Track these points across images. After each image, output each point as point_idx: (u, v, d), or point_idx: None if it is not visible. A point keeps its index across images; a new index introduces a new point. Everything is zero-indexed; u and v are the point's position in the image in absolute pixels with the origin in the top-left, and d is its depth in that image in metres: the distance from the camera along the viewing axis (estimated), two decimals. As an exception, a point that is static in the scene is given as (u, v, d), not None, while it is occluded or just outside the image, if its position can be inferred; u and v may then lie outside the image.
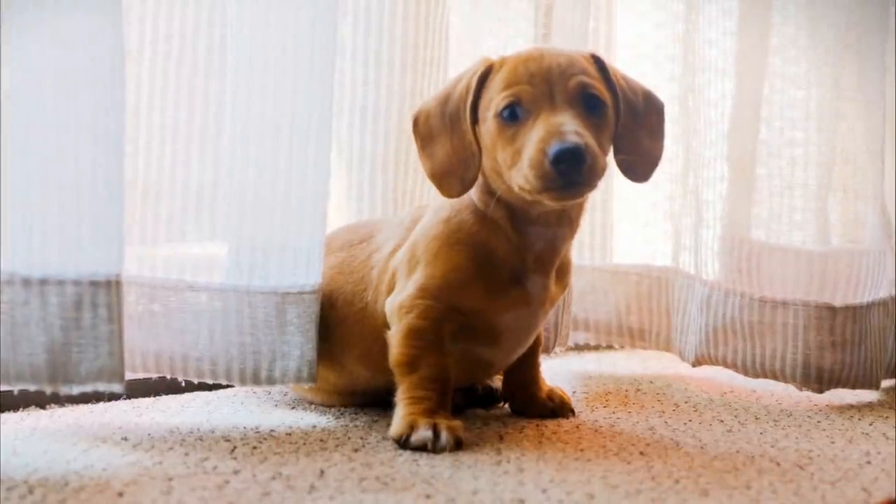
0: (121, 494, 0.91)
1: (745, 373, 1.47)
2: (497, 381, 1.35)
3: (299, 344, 1.20)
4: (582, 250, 1.64)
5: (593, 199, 1.66)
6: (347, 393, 1.29)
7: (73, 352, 1.03)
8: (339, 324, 1.23)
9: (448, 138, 1.14)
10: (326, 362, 1.23)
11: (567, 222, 1.16)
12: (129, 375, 1.26)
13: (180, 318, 1.19)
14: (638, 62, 1.68)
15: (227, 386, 1.35)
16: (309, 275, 1.20)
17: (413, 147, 1.42)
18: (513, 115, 1.08)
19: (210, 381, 1.21)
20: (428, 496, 0.92)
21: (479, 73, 1.13)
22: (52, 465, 1.00)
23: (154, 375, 1.22)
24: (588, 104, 1.09)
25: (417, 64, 1.44)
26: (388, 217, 1.37)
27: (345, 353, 1.23)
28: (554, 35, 1.49)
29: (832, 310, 1.43)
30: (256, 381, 1.20)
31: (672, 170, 1.60)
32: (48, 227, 1.03)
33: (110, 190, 1.05)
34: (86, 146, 1.04)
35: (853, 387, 1.44)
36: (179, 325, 1.19)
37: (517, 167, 1.07)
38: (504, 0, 1.53)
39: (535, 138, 1.05)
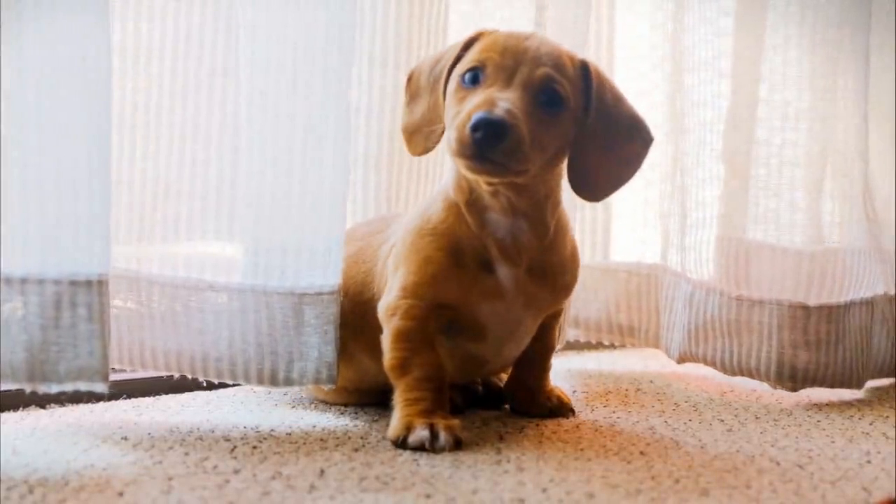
0: (121, 494, 0.91)
1: (724, 370, 1.48)
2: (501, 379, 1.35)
3: (317, 345, 1.20)
4: (583, 248, 1.64)
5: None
6: (355, 388, 1.29)
7: (52, 351, 1.03)
8: (350, 313, 1.23)
9: (427, 97, 1.17)
10: (341, 354, 1.23)
11: (521, 214, 1.14)
12: (148, 373, 1.28)
13: (200, 318, 1.19)
14: (637, 62, 1.68)
15: (227, 385, 1.35)
16: (326, 276, 1.20)
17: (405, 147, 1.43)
18: (473, 80, 1.10)
19: (230, 382, 1.22)
20: (428, 496, 0.92)
21: (467, 38, 1.15)
22: (52, 464, 1.00)
23: (176, 374, 1.22)
24: (546, 98, 1.09)
25: (412, 64, 1.44)
26: (405, 211, 1.37)
27: (354, 343, 1.23)
28: (549, 34, 1.49)
29: (806, 309, 1.43)
30: (275, 381, 1.20)
31: (663, 168, 1.60)
32: (30, 227, 1.03)
33: (93, 190, 1.05)
34: (70, 146, 1.04)
35: (831, 386, 1.45)
36: (199, 324, 1.19)
37: (451, 128, 1.08)
38: (505, -2, 1.53)
39: (470, 104, 1.06)
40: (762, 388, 1.51)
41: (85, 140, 1.05)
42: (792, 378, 1.44)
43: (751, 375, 1.46)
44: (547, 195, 1.16)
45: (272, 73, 1.18)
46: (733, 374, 1.47)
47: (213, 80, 1.22)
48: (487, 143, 1.03)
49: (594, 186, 1.17)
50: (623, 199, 1.70)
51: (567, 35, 1.48)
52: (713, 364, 1.49)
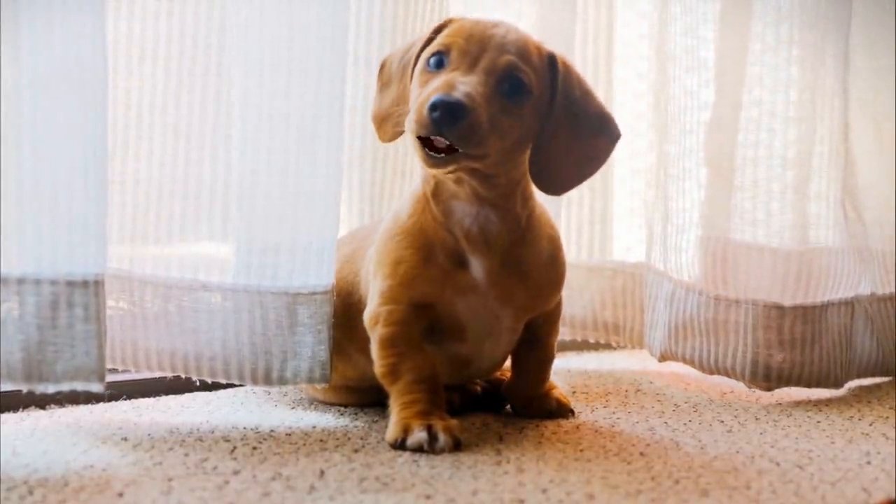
0: (121, 494, 0.91)
1: (702, 369, 1.49)
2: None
3: (310, 344, 1.20)
4: (568, 247, 1.64)
5: (580, 195, 1.66)
6: (355, 388, 1.29)
7: (49, 351, 1.04)
8: (344, 313, 1.23)
9: (397, 84, 1.17)
10: (337, 353, 1.23)
11: (488, 204, 1.13)
12: (144, 374, 1.28)
13: (194, 318, 1.20)
14: (637, 62, 1.68)
15: (228, 386, 1.35)
16: (320, 275, 1.20)
17: (392, 149, 1.42)
18: (438, 64, 1.10)
19: (223, 381, 1.22)
20: (428, 496, 0.92)
21: (437, 24, 1.15)
22: (52, 465, 1.00)
23: (169, 374, 1.23)
24: (509, 85, 1.08)
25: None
26: None
27: (349, 343, 1.24)
28: (538, 33, 1.48)
29: (781, 309, 1.44)
30: (268, 381, 1.21)
31: (653, 170, 1.61)
32: (26, 227, 1.03)
33: (89, 190, 1.05)
34: (66, 146, 1.04)
35: (807, 385, 1.46)
36: (193, 324, 1.20)
37: (412, 109, 1.07)
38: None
39: (432, 86, 1.06)
40: (762, 388, 1.51)
41: (81, 140, 1.05)
42: (766, 378, 1.44)
43: (727, 375, 1.47)
44: (514, 185, 1.15)
45: (265, 73, 1.18)
46: (711, 373, 1.48)
47: (206, 80, 1.22)
48: (444, 123, 1.02)
49: (555, 179, 1.16)
50: (615, 199, 1.70)
51: (554, 33, 1.49)
52: (692, 363, 1.50)
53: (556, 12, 1.52)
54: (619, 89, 1.67)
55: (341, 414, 1.27)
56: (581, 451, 1.11)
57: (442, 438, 1.08)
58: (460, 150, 1.04)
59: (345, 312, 1.23)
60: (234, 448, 1.08)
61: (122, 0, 1.19)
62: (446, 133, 1.03)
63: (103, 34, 1.07)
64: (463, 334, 1.17)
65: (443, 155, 1.05)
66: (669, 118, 1.53)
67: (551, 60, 1.14)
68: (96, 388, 1.06)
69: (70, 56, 1.04)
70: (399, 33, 1.42)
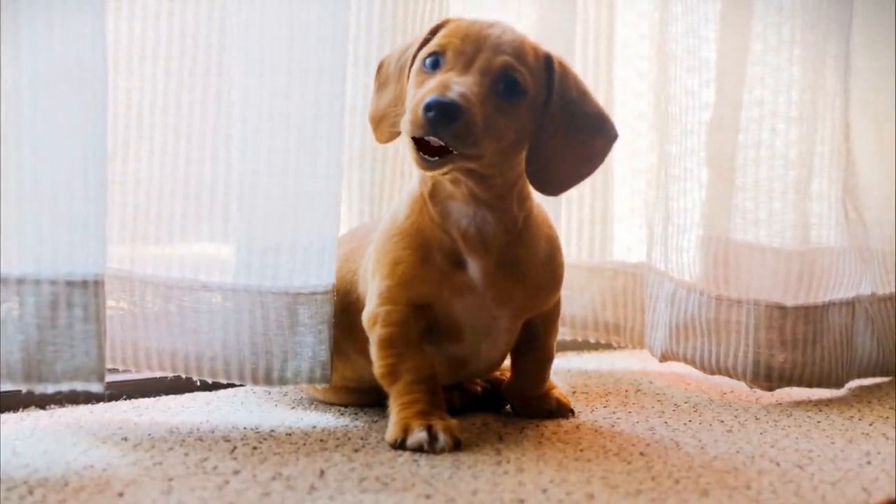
0: (121, 494, 0.91)
1: (703, 369, 1.49)
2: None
3: (311, 345, 1.20)
4: (568, 247, 1.64)
5: (580, 194, 1.66)
6: (355, 388, 1.29)
7: (49, 351, 1.04)
8: (342, 312, 1.23)
9: (394, 85, 1.16)
10: (335, 353, 1.23)
11: (485, 204, 1.13)
12: (144, 374, 1.29)
13: (194, 318, 1.20)
14: (638, 62, 1.68)
15: (228, 386, 1.35)
16: (321, 275, 1.21)
17: (391, 149, 1.43)
18: (434, 64, 1.09)
19: (224, 381, 1.22)
20: (428, 496, 0.92)
21: (434, 25, 1.15)
22: (52, 465, 1.00)
23: (169, 374, 1.23)
24: (504, 86, 1.08)
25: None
26: None
27: (347, 342, 1.24)
28: (537, 34, 1.48)
29: (783, 309, 1.44)
30: (269, 381, 1.21)
31: (653, 170, 1.61)
32: (26, 227, 1.03)
33: (89, 190, 1.05)
34: (66, 146, 1.04)
35: (808, 385, 1.46)
36: (193, 324, 1.20)
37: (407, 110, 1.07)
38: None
39: (427, 87, 1.06)
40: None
41: (81, 140, 1.05)
42: (768, 378, 1.45)
43: (728, 375, 1.47)
44: (510, 186, 1.15)
45: (266, 73, 1.18)
46: (712, 373, 1.49)
47: (206, 80, 1.22)
48: (439, 123, 1.02)
49: (552, 180, 1.15)
50: (616, 199, 1.70)
51: (551, 35, 1.49)
52: (693, 363, 1.50)
53: (556, 12, 1.53)
54: (619, 89, 1.67)
55: (341, 414, 1.27)
56: (581, 451, 1.11)
57: (442, 438, 1.08)
58: (455, 151, 1.04)
59: (343, 311, 1.23)
60: (235, 448, 1.08)
61: (122, 0, 1.19)
62: (441, 134, 1.03)
63: (103, 34, 1.07)
64: (460, 335, 1.17)
65: (437, 158, 1.05)
66: (670, 118, 1.53)
67: (547, 61, 1.13)
68: (96, 388, 1.06)
69: (70, 56, 1.04)
70: (399, 33, 1.42)
